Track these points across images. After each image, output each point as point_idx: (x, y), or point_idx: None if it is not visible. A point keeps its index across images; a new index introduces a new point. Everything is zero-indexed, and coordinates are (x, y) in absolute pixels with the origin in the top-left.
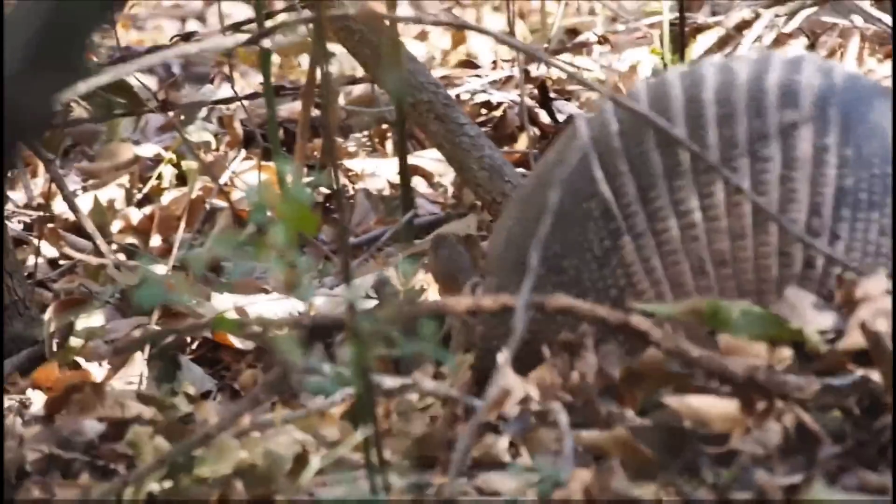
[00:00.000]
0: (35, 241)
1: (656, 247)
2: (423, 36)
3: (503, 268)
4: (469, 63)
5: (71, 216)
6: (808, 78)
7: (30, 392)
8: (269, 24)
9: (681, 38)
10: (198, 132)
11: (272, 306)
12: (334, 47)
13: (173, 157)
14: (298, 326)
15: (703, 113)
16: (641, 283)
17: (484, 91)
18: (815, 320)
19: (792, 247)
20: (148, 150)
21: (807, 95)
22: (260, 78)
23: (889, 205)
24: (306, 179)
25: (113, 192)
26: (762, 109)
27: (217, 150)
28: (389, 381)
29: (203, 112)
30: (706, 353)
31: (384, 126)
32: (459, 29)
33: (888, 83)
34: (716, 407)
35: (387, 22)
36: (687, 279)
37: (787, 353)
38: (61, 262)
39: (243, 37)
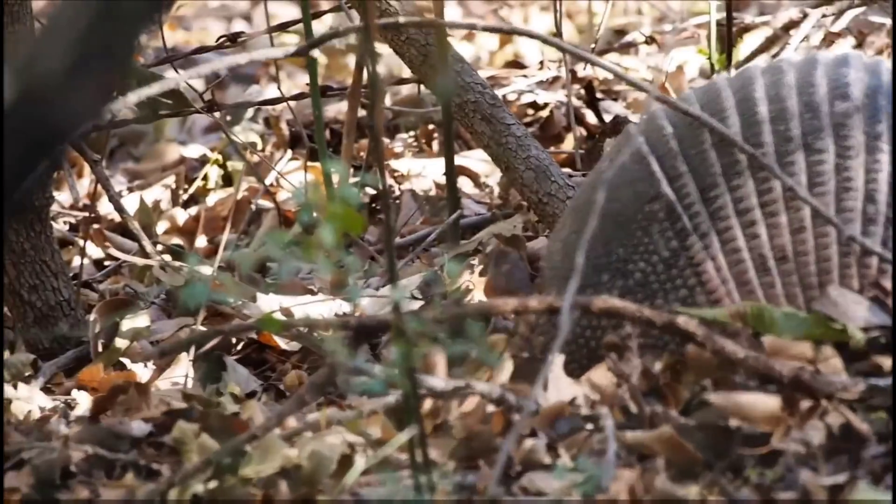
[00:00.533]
0: (80, 241)
1: (720, 245)
2: (469, 36)
3: (563, 277)
4: (516, 63)
5: (116, 217)
6: (856, 72)
7: (75, 393)
8: (315, 25)
9: (728, 38)
10: (244, 133)
11: (318, 307)
12: (381, 47)
13: (219, 157)
14: (345, 328)
15: (755, 111)
16: (712, 282)
17: (530, 91)
18: (857, 317)
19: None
20: (194, 150)
21: (856, 88)
22: (306, 78)
23: None
24: (352, 180)
25: (158, 193)
26: (813, 104)
27: (263, 150)
28: (440, 383)
29: (249, 113)
30: (752, 354)
31: (430, 126)
32: (506, 33)
33: None
34: (760, 405)
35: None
36: (751, 276)
37: (830, 352)
38: (107, 262)
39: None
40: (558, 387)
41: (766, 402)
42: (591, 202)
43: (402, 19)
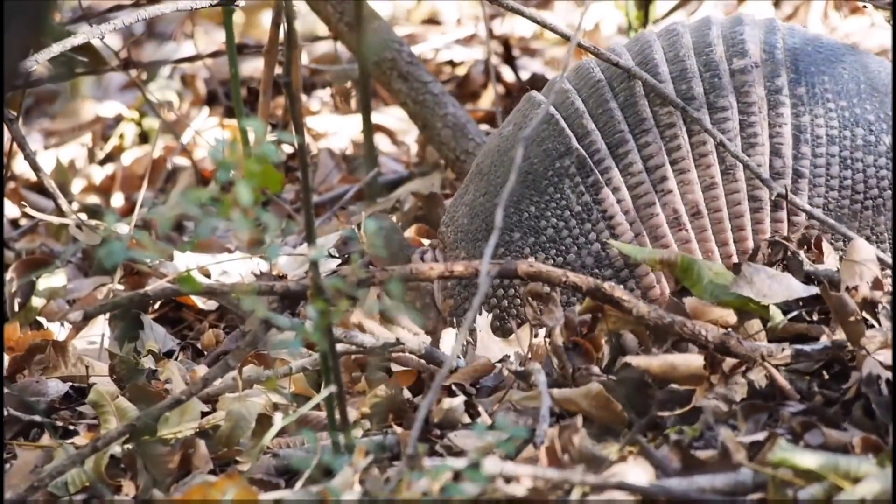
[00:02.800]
0: None
1: (632, 200)
2: None
3: (471, 239)
4: (433, 20)
5: (32, 176)
6: (751, 29)
7: None
8: None
9: None
10: (160, 91)
11: (236, 265)
12: (297, 4)
13: (135, 115)
14: (270, 292)
15: (657, 72)
16: (626, 235)
17: (448, 48)
18: (774, 294)
19: (760, 190)
20: (110, 108)
21: (752, 44)
22: (223, 36)
23: (849, 138)
24: (270, 138)
25: (75, 152)
26: (711, 62)
27: (179, 108)
28: (367, 339)
29: (166, 70)
30: (680, 319)
31: (347, 84)
32: None
33: (850, 39)
34: (683, 364)
35: None
36: (665, 230)
37: (757, 324)
38: (22, 221)
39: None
40: (486, 345)
41: (689, 361)
42: (496, 164)
43: None
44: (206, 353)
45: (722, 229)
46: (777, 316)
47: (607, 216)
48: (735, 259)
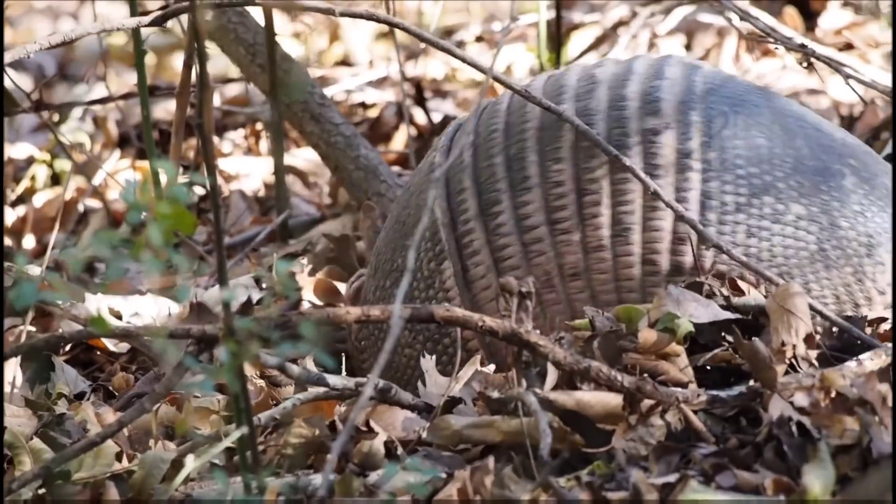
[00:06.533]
0: None
1: (494, 263)
2: (299, 35)
3: (375, 272)
4: (345, 62)
5: None
6: (670, 84)
7: None
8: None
9: (557, 36)
10: (72, 132)
11: (147, 307)
12: (209, 46)
13: (47, 157)
14: (185, 336)
15: (550, 121)
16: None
17: (360, 90)
18: (698, 315)
19: (657, 255)
20: (21, 150)
21: (668, 103)
22: (134, 78)
23: (756, 206)
24: (182, 179)
25: None
26: (623, 119)
27: (91, 150)
28: (339, 380)
29: (77, 112)
30: (596, 365)
31: (259, 126)
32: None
33: (762, 81)
34: (598, 402)
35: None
36: None
37: (679, 349)
38: None
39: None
40: (436, 383)
41: (605, 400)
42: (396, 207)
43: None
44: (117, 395)
45: (606, 291)
46: (684, 325)
47: (445, 287)
48: None
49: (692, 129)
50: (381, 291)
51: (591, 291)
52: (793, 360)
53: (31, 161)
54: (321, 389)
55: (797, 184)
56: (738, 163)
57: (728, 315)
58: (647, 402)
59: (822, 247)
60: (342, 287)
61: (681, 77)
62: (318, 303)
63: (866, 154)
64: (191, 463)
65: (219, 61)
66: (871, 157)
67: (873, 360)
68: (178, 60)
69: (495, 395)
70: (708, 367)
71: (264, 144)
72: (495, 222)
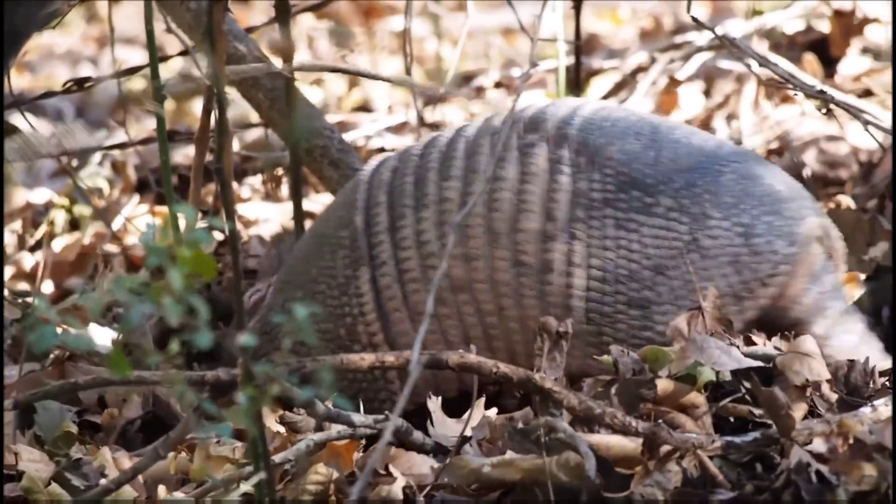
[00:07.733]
0: None
1: (398, 275)
2: (318, 81)
3: (285, 285)
4: (364, 108)
5: None
6: (555, 109)
7: None
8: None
9: (577, 81)
10: (91, 178)
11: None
12: (228, 91)
13: (66, 202)
14: (197, 382)
15: (455, 147)
16: (370, 314)
17: (379, 136)
18: (722, 363)
19: (526, 255)
20: (40, 195)
21: (550, 122)
22: (153, 123)
23: (624, 200)
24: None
25: (5, 238)
26: (507, 136)
27: (110, 195)
28: (358, 418)
29: (96, 157)
30: (610, 410)
31: (278, 171)
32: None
33: (781, 128)
34: (616, 445)
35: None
36: (429, 306)
37: (700, 399)
38: None
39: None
40: (444, 424)
41: (623, 443)
42: (317, 225)
43: (250, 60)
44: (104, 429)
45: (486, 300)
46: (707, 372)
47: (359, 293)
48: (498, 332)
49: (567, 141)
50: (292, 303)
51: (476, 304)
52: (812, 401)
53: (49, 206)
54: (334, 431)
55: (668, 178)
56: (607, 163)
57: (751, 363)
58: (664, 448)
59: (694, 236)
60: None
61: (568, 106)
62: None
63: (756, 161)
64: None
65: (238, 106)
66: (760, 163)
67: (888, 406)
68: (197, 105)
69: (520, 425)
70: (731, 419)
71: (284, 189)
72: (399, 235)
